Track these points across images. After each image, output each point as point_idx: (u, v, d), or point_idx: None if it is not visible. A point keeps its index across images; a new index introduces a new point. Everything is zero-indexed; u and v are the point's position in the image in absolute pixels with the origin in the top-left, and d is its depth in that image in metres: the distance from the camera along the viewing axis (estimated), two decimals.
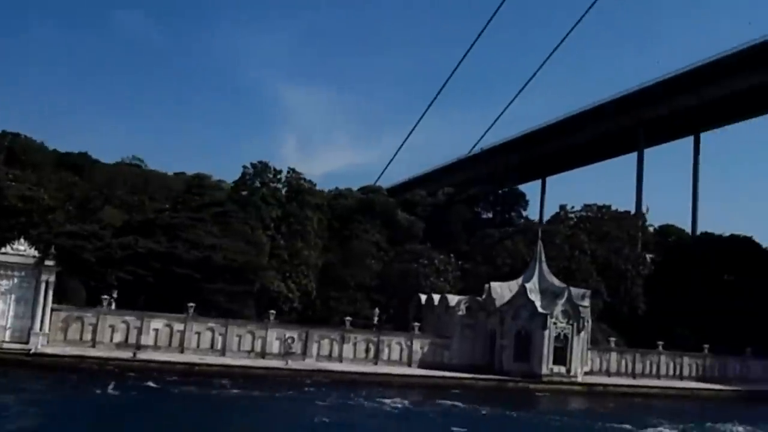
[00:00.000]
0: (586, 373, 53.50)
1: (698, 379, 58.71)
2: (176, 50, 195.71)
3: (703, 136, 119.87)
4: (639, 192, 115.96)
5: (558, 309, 49.92)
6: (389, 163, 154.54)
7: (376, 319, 55.70)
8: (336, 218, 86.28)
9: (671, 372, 58.39)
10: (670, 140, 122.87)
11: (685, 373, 58.90)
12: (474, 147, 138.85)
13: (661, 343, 58.22)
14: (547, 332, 49.35)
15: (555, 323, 49.74)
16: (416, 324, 52.28)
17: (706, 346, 59.95)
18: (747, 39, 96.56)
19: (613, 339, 57.80)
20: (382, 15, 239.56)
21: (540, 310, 49.73)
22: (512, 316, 50.49)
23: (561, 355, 49.89)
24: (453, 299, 53.11)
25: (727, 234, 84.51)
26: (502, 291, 52.14)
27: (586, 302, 52.12)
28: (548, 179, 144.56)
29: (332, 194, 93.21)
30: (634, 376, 56.54)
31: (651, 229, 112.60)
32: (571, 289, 52.29)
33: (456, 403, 38.69)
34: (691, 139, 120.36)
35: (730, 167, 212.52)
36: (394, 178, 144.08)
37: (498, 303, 51.44)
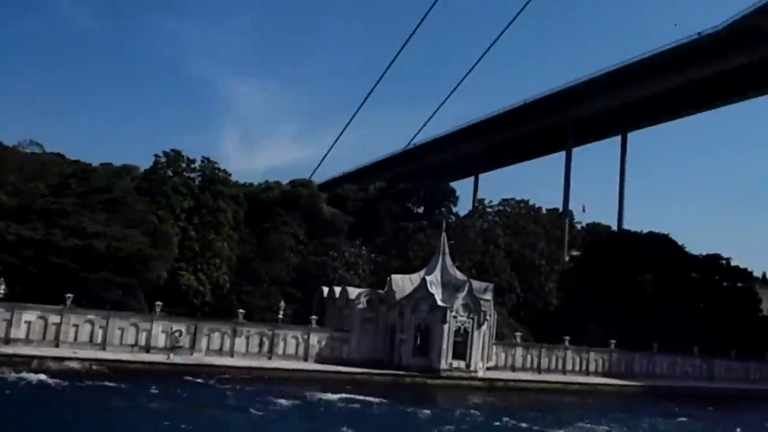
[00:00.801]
0: (490, 369, 52.66)
1: (604, 374, 58.44)
2: (115, 38, 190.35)
3: (630, 135, 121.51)
4: (567, 190, 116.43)
5: (458, 302, 48.76)
6: (323, 158, 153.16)
7: (281, 313, 53.74)
8: (256, 210, 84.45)
9: (577, 367, 57.95)
10: (599, 139, 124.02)
11: (591, 368, 58.54)
12: (410, 143, 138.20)
13: (567, 338, 57.69)
14: (446, 326, 48.17)
15: (455, 317, 48.58)
16: (314, 318, 50.63)
17: (613, 341, 59.72)
18: (672, 39, 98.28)
19: (518, 334, 56.98)
20: (327, 8, 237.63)
21: (440, 303, 48.54)
22: (412, 309, 49.15)
23: (461, 350, 48.77)
24: (353, 292, 51.58)
25: (646, 232, 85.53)
26: (403, 284, 50.78)
27: (488, 296, 51.12)
28: (481, 176, 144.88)
29: (260, 187, 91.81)
30: (539, 371, 55.85)
31: (579, 226, 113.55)
32: (474, 282, 51.29)
33: (348, 396, 37.33)
34: (618, 138, 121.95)
35: (656, 166, 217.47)
36: (335, 173, 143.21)
37: (399, 296, 50.05)
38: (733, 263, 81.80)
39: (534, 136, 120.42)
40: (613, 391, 54.28)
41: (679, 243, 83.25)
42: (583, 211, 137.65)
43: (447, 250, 52.71)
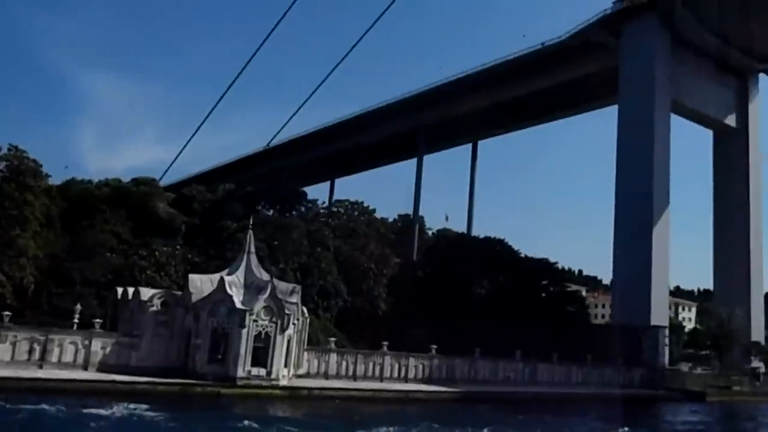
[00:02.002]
0: (300, 376, 49.49)
1: (425, 381, 56.42)
2: None
3: (481, 143, 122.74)
4: (417, 196, 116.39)
5: (260, 305, 45.19)
6: (176, 158, 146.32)
7: (76, 316, 48.22)
8: (82, 208, 78.30)
9: (396, 374, 55.55)
10: (451, 146, 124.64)
11: (411, 375, 56.28)
12: (268, 144, 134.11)
13: (386, 343, 55.30)
14: (245, 330, 44.45)
15: (256, 320, 44.95)
16: (98, 321, 45.65)
17: (434, 347, 57.94)
18: (520, 48, 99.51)
19: (333, 339, 54.08)
20: (195, 5, 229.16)
21: (239, 305, 44.80)
22: (209, 312, 45.13)
23: (262, 356, 45.15)
24: (147, 293, 46.96)
25: (483, 236, 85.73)
26: (202, 284, 46.69)
27: (295, 298, 47.89)
28: (339, 181, 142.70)
29: (98, 184, 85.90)
30: (355, 378, 53.06)
31: (430, 233, 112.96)
32: (280, 283, 48.04)
33: (121, 409, 33.03)
34: (470, 146, 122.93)
35: (504, 173, 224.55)
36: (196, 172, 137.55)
37: (196, 298, 45.94)
38: (568, 268, 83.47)
39: (387, 141, 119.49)
40: (429, 398, 52.23)
41: (516, 248, 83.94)
42: (447, 219, 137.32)
43: (253, 249, 49.15)
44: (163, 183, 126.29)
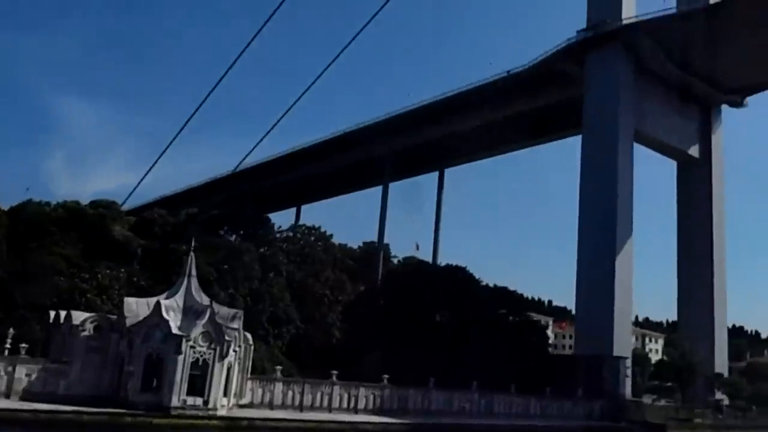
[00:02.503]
0: (243, 406, 47.38)
1: (375, 411, 54.37)
2: None
3: (448, 171, 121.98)
4: (382, 223, 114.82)
5: (198, 330, 43.17)
6: (139, 183, 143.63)
7: (9, 341, 45.79)
8: (29, 229, 75.89)
9: (345, 404, 53.45)
10: (417, 174, 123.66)
11: (361, 405, 54.22)
12: (236, 167, 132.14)
13: (335, 372, 53.27)
14: (181, 357, 42.36)
15: (193, 347, 42.88)
16: (25, 346, 43.26)
17: (386, 376, 55.99)
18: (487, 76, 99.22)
19: (279, 368, 52.00)
20: (164, 32, 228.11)
21: (175, 330, 42.74)
22: (143, 337, 42.99)
23: (199, 385, 43.01)
24: (79, 317, 44.74)
25: (444, 264, 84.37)
26: (138, 308, 44.61)
27: (237, 323, 45.91)
28: (305, 207, 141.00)
29: (55, 206, 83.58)
30: (301, 408, 50.94)
31: (395, 260, 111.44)
32: (221, 308, 46.17)
33: None
34: (436, 174, 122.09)
35: (473, 201, 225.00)
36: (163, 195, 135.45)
37: (131, 322, 43.83)
38: (537, 298, 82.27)
39: (353, 167, 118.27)
40: (377, 430, 50.38)
41: (478, 277, 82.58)
42: (417, 249, 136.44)
43: (194, 272, 47.29)
44: (127, 206, 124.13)
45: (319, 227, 78.12)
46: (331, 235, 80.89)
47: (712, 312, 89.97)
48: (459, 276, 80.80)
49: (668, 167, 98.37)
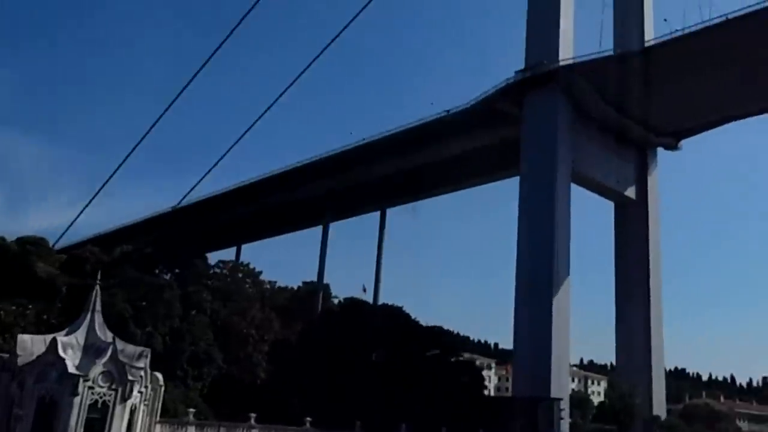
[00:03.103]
0: None
1: None
2: None
3: (390, 211, 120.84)
4: (322, 263, 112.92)
5: (97, 370, 40.21)
6: (75, 220, 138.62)
7: None
8: None
9: None
10: (359, 213, 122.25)
11: None
12: (179, 203, 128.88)
13: (253, 415, 50.60)
14: (77, 399, 39.30)
15: (92, 387, 39.90)
16: None
17: (309, 419, 53.48)
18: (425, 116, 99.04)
19: (192, 410, 49.16)
20: (107, 67, 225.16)
21: (72, 370, 39.71)
22: (36, 377, 39.83)
23: (98, 428, 39.94)
24: None
25: (381, 304, 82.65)
26: (33, 346, 41.54)
27: (142, 363, 43.02)
28: (246, 246, 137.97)
29: None
30: None
31: (336, 301, 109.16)
32: (127, 346, 43.31)
33: None
34: (378, 213, 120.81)
35: (414, 242, 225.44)
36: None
37: (23, 361, 40.74)
38: (484, 341, 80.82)
39: (293, 207, 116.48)
40: None
41: (415, 317, 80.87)
42: (364, 291, 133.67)
43: (99, 308, 44.37)
44: (63, 243, 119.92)
45: (248, 264, 75.93)
46: (260, 272, 78.56)
47: (649, 353, 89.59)
48: (395, 316, 79.04)
49: (609, 207, 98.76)
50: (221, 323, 62.40)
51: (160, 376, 46.54)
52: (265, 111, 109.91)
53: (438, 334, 76.09)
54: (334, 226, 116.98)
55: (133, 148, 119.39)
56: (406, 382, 64.47)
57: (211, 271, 73.52)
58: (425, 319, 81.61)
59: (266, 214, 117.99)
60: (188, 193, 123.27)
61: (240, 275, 72.92)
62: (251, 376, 61.17)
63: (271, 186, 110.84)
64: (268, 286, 78.91)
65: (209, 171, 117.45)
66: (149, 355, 43.85)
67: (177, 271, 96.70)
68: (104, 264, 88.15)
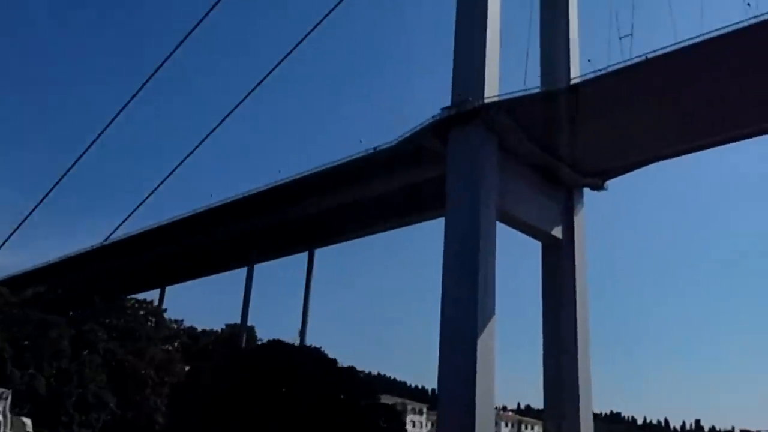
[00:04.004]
0: None
1: None
2: None
3: (318, 252, 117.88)
4: (246, 304, 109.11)
5: None
6: None
7: None
8: None
9: None
10: (286, 254, 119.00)
11: None
12: (106, 240, 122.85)
13: None
14: None
15: None
16: None
17: None
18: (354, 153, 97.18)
19: None
20: (28, 102, 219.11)
21: None
22: None
23: None
24: None
25: (299, 344, 79.20)
26: None
27: (2, 405, 38.74)
28: (170, 288, 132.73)
29: None
30: None
31: (260, 342, 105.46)
32: None
33: None
34: (305, 254, 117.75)
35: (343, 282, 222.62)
36: None
37: None
38: (421, 386, 78.06)
39: (217, 247, 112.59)
40: None
41: (341, 358, 77.83)
42: (299, 336, 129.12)
43: None
44: None
45: (151, 301, 71.64)
46: (165, 310, 74.27)
47: (577, 397, 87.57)
48: (314, 357, 75.60)
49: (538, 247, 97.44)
50: (116, 364, 57.97)
51: (28, 421, 42.11)
52: (191, 152, 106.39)
53: (352, 375, 72.76)
54: (260, 267, 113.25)
55: (52, 188, 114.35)
56: (318, 425, 60.77)
57: (110, 307, 68.96)
58: (356, 361, 78.92)
59: (190, 254, 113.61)
60: (113, 232, 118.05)
61: (142, 313, 68.62)
62: (148, 421, 56.64)
63: (194, 225, 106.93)
64: (174, 326, 74.61)
65: (135, 209, 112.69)
66: (9, 397, 39.39)
67: (92, 312, 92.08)
68: (13, 305, 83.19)
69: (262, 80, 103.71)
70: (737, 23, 70.94)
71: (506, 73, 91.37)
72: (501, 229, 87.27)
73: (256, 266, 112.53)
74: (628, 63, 78.03)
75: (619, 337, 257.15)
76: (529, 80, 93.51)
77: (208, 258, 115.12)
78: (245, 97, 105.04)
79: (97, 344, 58.40)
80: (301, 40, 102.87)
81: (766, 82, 77.33)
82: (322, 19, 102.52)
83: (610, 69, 79.69)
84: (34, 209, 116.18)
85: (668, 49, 74.73)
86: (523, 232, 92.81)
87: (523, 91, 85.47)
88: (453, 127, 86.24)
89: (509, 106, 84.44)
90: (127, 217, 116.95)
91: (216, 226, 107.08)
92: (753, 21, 70.91)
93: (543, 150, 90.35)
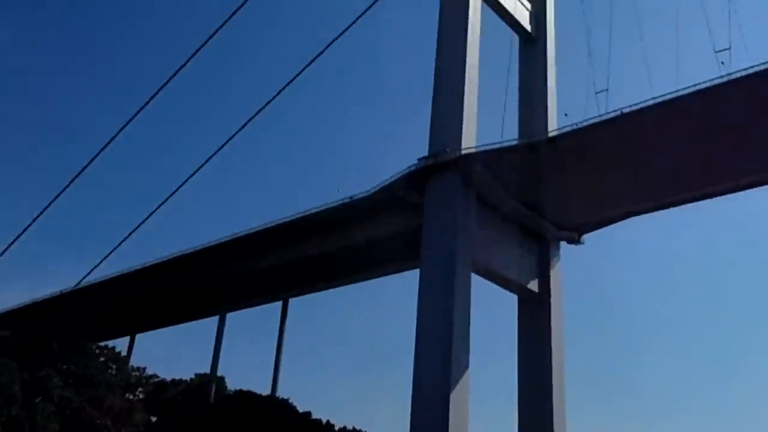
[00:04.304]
0: None
1: None
2: None
3: (292, 301, 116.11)
4: (216, 354, 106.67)
5: None
6: None
7: None
8: None
9: None
10: (259, 303, 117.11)
11: None
12: (78, 284, 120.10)
13: None
14: None
15: None
16: None
17: None
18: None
19: None
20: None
21: None
22: None
23: None
24: None
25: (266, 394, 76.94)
26: None
27: None
28: (140, 336, 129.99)
29: None
30: None
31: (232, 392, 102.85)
32: None
33: None
34: (279, 304, 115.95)
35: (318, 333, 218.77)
36: None
37: None
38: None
39: (188, 295, 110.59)
40: None
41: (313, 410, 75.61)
42: (274, 387, 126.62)
43: None
44: None
45: (113, 348, 69.38)
46: (128, 357, 71.99)
47: None
48: (286, 410, 73.52)
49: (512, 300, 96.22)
50: (71, 412, 55.62)
51: None
52: (166, 199, 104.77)
53: (327, 429, 70.57)
54: (233, 316, 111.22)
55: (22, 231, 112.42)
56: None
57: (68, 352, 66.67)
58: (332, 414, 76.83)
59: (160, 302, 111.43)
60: (84, 277, 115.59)
61: (102, 360, 66.36)
62: None
63: (165, 272, 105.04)
64: (137, 374, 72.30)
65: (108, 255, 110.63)
66: None
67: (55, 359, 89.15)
68: None
69: (235, 133, 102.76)
70: (710, 80, 71.57)
71: (486, 124, 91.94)
72: (477, 280, 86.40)
73: (229, 315, 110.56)
74: (604, 117, 78.29)
75: (595, 391, 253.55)
76: (508, 132, 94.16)
77: (179, 306, 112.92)
78: (222, 147, 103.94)
79: (51, 391, 56.09)
80: (279, 92, 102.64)
81: (741, 139, 77.98)
82: (302, 70, 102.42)
83: (585, 123, 79.89)
84: (4, 251, 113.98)
85: (641, 105, 75.01)
86: (499, 285, 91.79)
87: (500, 142, 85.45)
88: (429, 178, 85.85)
89: (486, 157, 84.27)
90: (99, 263, 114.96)
91: (188, 273, 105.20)
92: (726, 79, 71.64)
93: (520, 202, 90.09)
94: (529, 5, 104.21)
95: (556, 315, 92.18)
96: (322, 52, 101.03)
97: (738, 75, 70.59)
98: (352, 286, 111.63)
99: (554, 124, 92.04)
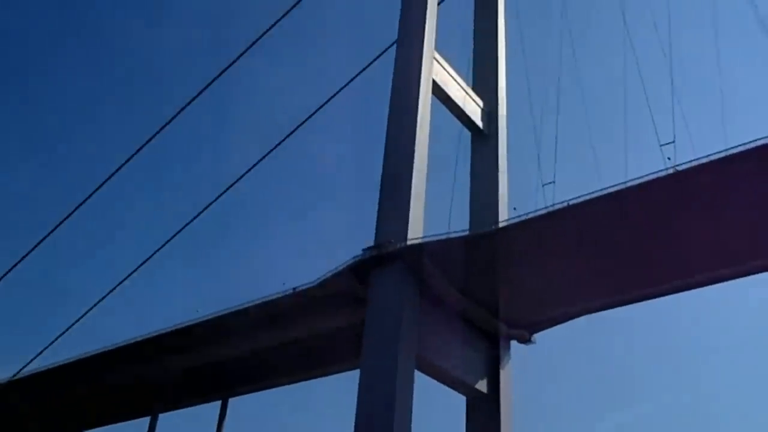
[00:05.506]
0: None
1: None
2: None
3: (232, 401, 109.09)
4: None
5: None
6: None
7: None
8: None
9: None
10: (195, 403, 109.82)
11: None
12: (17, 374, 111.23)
13: None
14: None
15: None
16: None
17: None
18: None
19: None
20: None
21: None
22: None
23: None
24: None
25: None
26: None
27: None
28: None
29: None
30: None
31: None
32: None
33: None
34: (218, 403, 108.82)
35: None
36: None
37: None
38: None
39: (119, 392, 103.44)
40: None
41: None
42: None
43: None
44: None
45: None
46: None
47: None
48: None
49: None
50: None
51: None
52: (109, 292, 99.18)
53: None
54: (165, 417, 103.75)
55: None
56: None
57: None
58: None
59: (83, 402, 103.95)
60: (24, 367, 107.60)
61: None
62: None
63: (89, 369, 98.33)
64: None
65: (44, 349, 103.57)
66: None
67: None
68: None
69: (179, 230, 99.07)
70: (654, 172, 70.36)
71: (434, 217, 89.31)
72: (423, 379, 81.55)
73: (161, 416, 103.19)
74: (550, 209, 76.18)
75: None
76: (458, 225, 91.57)
77: (105, 406, 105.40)
78: (166, 243, 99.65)
79: None
80: (228, 189, 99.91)
81: (691, 234, 75.98)
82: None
83: (532, 215, 77.75)
84: None
85: (588, 197, 73.17)
86: (445, 384, 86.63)
87: (445, 234, 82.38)
88: (373, 270, 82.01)
89: (433, 248, 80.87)
90: (38, 355, 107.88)
91: (115, 370, 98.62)
92: (671, 171, 70.42)
93: (468, 297, 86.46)
94: (480, 102, 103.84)
95: (506, 418, 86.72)
96: (252, 167, 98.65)
97: (682, 167, 69.41)
98: (296, 384, 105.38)
99: (505, 217, 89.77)
